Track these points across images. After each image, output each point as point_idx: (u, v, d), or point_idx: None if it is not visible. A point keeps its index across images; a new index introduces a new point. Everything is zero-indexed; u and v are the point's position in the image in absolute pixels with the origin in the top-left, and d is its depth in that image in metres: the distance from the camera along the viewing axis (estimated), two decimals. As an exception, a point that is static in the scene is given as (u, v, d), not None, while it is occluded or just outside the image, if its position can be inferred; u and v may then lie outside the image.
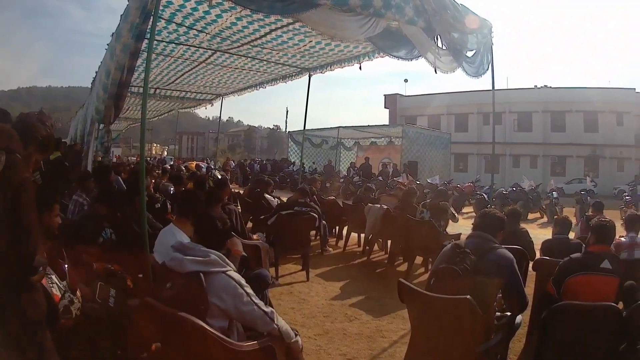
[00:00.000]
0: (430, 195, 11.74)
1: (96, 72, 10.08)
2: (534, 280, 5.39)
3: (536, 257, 5.88)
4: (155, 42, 8.41)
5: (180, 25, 8.07)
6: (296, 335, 3.37)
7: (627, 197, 19.33)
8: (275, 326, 3.20)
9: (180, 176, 10.19)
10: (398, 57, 7.51)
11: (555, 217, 6.89)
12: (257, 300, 3.19)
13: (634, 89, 42.83)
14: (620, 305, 3.99)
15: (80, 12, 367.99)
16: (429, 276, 4.16)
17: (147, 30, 5.18)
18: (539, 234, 13.00)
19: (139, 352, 3.71)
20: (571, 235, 6.70)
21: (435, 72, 7.20)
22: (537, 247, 6.48)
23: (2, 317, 2.45)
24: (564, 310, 3.82)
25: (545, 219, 18.92)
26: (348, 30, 6.28)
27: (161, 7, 6.46)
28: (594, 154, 43.12)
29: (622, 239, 6.11)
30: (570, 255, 4.32)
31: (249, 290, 3.20)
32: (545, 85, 48.32)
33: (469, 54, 7.82)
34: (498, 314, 4.05)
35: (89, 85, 12.49)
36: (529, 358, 4.60)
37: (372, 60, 9.28)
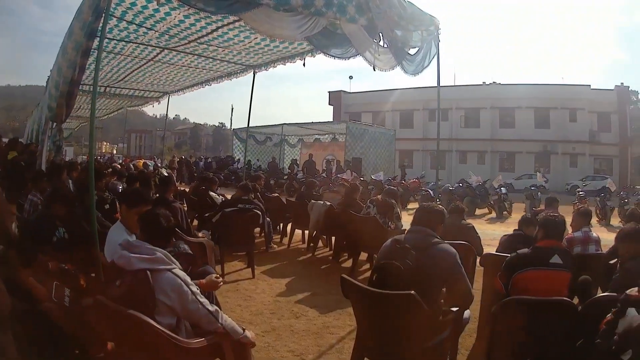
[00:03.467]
0: (374, 192, 11.87)
1: (51, 71, 9.98)
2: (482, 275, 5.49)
3: (484, 252, 5.93)
4: (105, 40, 8.37)
5: (130, 23, 8.07)
6: (244, 330, 3.42)
7: (581, 193, 19.56)
8: (220, 325, 3.26)
9: (134, 176, 10.11)
10: (334, 56, 7.59)
11: (524, 213, 7.01)
12: (202, 299, 3.24)
13: (589, 85, 44.13)
14: (576, 301, 4.07)
15: (39, 10, 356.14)
16: (372, 272, 4.15)
17: (98, 29, 5.19)
18: (487, 229, 13.41)
19: (95, 351, 3.73)
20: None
21: (374, 70, 7.42)
22: (485, 242, 6.64)
23: None
24: (513, 304, 3.83)
25: (493, 215, 19.27)
26: (287, 30, 6.39)
27: (113, 5, 6.45)
28: (545, 150, 44.00)
29: (575, 234, 6.23)
30: (517, 251, 4.26)
31: (194, 288, 3.25)
32: (494, 82, 49.27)
33: (412, 51, 8.00)
34: (445, 309, 3.96)
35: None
36: (481, 353, 4.48)
37: (314, 57, 9.38)
